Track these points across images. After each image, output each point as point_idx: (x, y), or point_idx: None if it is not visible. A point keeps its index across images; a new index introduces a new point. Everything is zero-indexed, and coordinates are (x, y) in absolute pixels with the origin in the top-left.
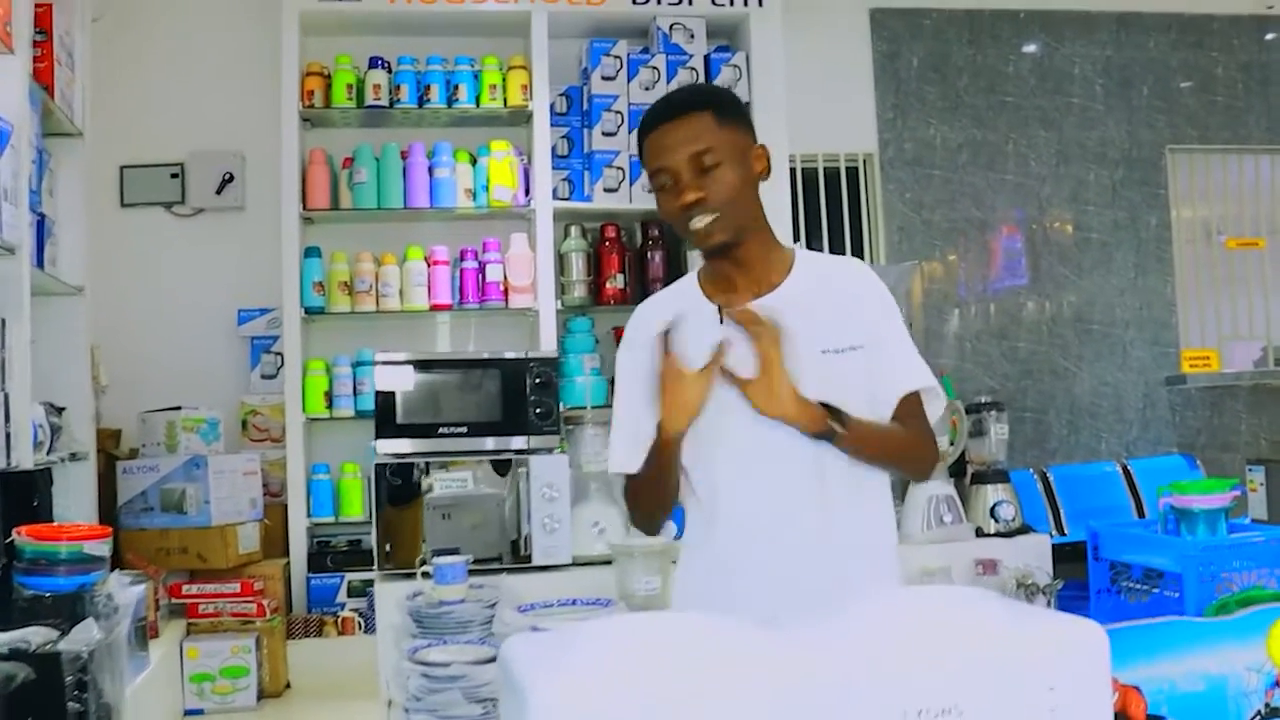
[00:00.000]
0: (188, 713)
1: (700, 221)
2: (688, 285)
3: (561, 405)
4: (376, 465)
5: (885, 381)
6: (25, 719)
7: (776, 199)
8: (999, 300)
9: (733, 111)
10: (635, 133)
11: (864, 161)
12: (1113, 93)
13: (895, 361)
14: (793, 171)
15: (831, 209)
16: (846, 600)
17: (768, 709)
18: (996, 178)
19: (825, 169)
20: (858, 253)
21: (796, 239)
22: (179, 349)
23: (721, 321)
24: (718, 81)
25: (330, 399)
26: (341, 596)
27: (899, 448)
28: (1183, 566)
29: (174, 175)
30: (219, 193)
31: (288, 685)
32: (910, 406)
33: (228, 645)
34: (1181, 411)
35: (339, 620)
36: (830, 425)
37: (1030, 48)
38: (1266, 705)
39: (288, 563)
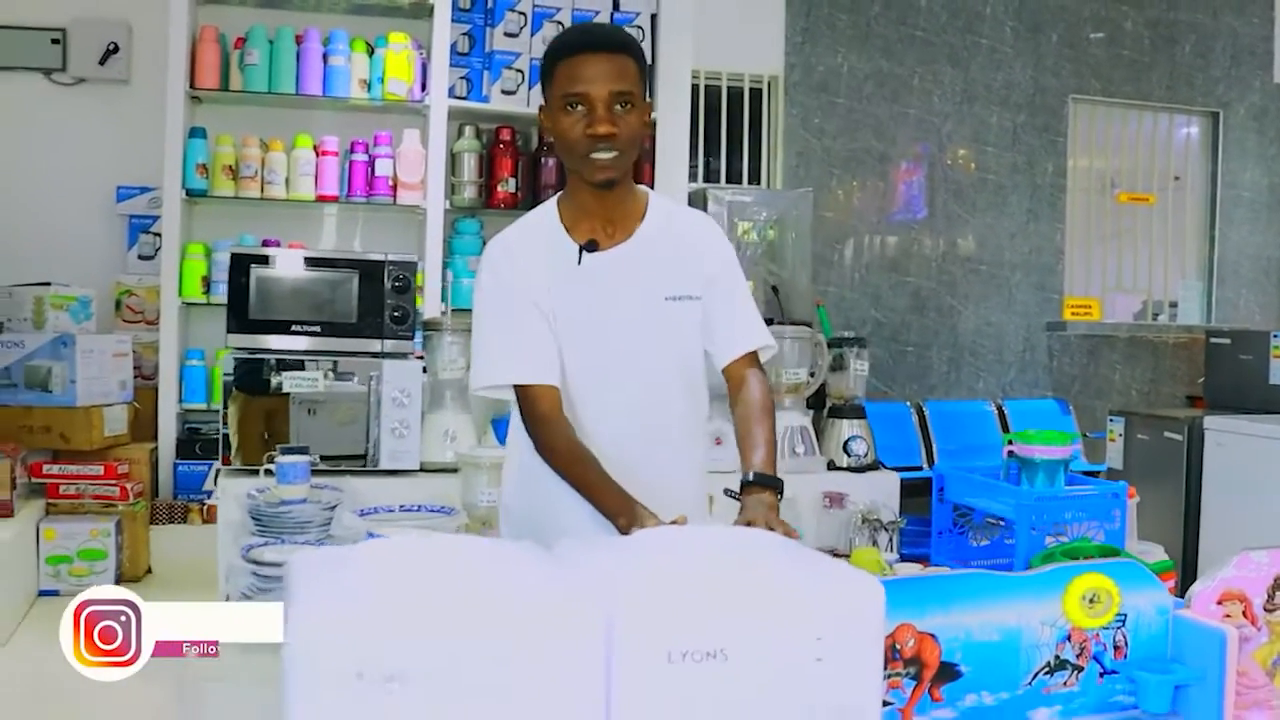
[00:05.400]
0: (42, 593)
1: (605, 155)
2: (547, 218)
3: (446, 305)
4: (226, 359)
5: (733, 338)
6: None
7: (677, 116)
8: (892, 233)
9: (645, 64)
10: (546, 52)
11: (769, 84)
12: (1022, 36)
13: (739, 318)
14: (695, 88)
15: (732, 130)
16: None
17: (527, 648)
18: (900, 111)
19: (729, 88)
20: (755, 176)
21: (694, 158)
22: (52, 223)
23: (580, 262)
24: None
25: (208, 284)
26: (209, 484)
27: (771, 428)
28: (1017, 515)
29: (55, 41)
30: (103, 63)
31: (149, 570)
32: (752, 360)
33: (87, 528)
34: (1060, 357)
35: (204, 508)
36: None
37: None
38: (1056, 657)
39: (155, 447)
